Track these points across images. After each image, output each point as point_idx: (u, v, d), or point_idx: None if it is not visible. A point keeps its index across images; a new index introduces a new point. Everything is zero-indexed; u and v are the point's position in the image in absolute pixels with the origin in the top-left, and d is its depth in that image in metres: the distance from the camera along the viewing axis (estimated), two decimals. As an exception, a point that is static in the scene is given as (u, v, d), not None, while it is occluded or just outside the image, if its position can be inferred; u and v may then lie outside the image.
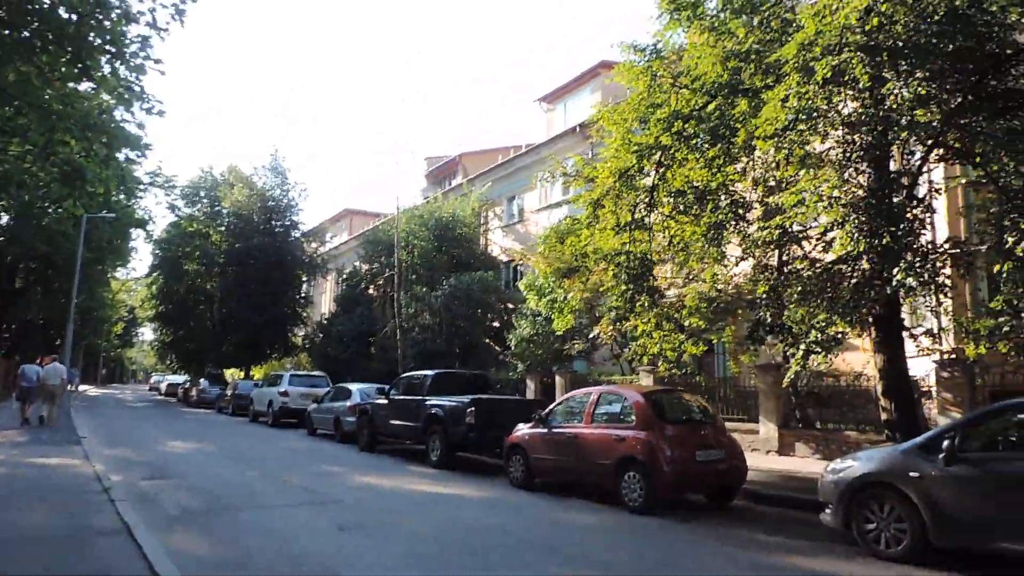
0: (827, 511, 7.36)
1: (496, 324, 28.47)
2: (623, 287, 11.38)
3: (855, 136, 8.27)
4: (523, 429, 11.43)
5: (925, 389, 13.95)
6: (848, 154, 8.46)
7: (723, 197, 11.66)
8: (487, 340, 27.13)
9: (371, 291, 35.41)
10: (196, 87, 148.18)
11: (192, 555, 6.53)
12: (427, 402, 14.21)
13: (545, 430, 10.84)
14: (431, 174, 44.41)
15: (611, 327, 16.98)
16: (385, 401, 15.93)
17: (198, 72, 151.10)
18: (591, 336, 18.19)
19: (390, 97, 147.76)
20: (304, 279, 41.64)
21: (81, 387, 53.86)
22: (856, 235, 7.76)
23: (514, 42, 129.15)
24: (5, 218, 29.95)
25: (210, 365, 42.50)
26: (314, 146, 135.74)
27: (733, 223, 11.45)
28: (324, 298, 52.42)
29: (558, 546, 7.24)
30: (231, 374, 42.78)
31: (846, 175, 8.32)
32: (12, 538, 6.69)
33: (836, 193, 8.08)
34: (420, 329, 27.03)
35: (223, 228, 42.11)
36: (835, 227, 7.98)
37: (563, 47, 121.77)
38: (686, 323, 12.07)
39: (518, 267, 33.26)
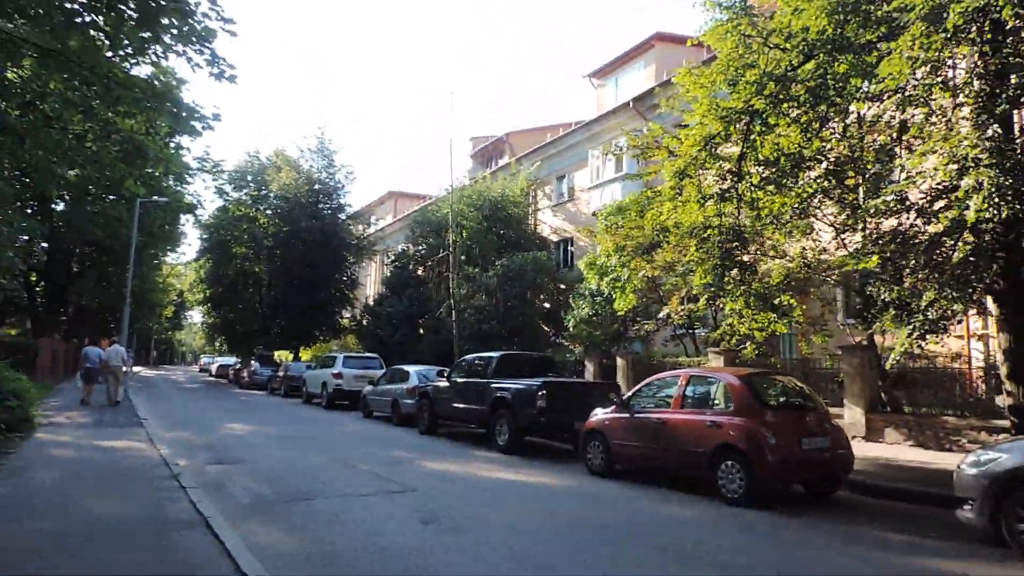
0: (967, 508, 6.59)
1: (547, 305, 27.86)
2: (713, 262, 10.59)
3: (997, 90, 7.38)
4: (602, 414, 10.81)
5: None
6: (986, 108, 7.57)
7: (819, 164, 10.80)
8: (540, 321, 26.54)
9: (420, 273, 35.05)
10: (236, 51, 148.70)
11: (274, 549, 6.08)
12: (493, 385, 13.68)
13: (627, 415, 10.20)
14: (477, 154, 43.80)
15: (682, 307, 16.26)
16: (446, 383, 15.46)
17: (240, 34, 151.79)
18: (659, 316, 17.44)
19: (436, 77, 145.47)
20: (351, 261, 41.42)
21: (135, 368, 54.91)
22: (996, 199, 6.91)
23: (559, 17, 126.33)
24: (62, 205, 30.32)
25: (260, 347, 42.77)
26: (356, 118, 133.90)
27: (836, 191, 10.59)
28: (370, 280, 52.42)
29: (664, 542, 6.62)
30: (279, 356, 42.98)
31: (988, 132, 7.41)
32: (94, 527, 6.33)
33: (974, 153, 7.21)
34: (473, 310, 26.54)
35: (270, 212, 42.10)
36: (972, 191, 7.12)
37: (612, 21, 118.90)
38: (776, 301, 11.24)
39: (570, 247, 32.67)
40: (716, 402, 9.13)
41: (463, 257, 30.31)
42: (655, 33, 30.44)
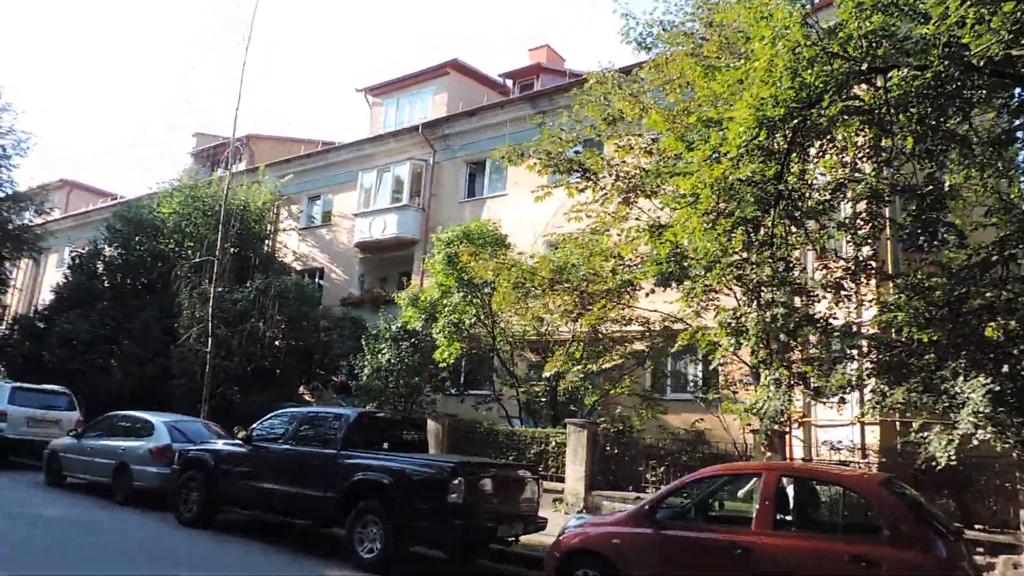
0: None
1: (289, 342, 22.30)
2: (775, 311, 7.52)
3: None
4: (597, 524, 6.98)
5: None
6: None
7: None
8: (301, 363, 21.14)
9: (111, 284, 26.61)
10: None
11: None
12: (350, 460, 8.85)
13: (652, 531, 6.51)
14: (202, 154, 36.41)
15: (573, 366, 13.04)
16: (245, 449, 10.04)
17: None
18: (547, 376, 13.80)
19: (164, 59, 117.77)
20: (6, 257, 30.58)
21: None
22: None
23: (327, 22, 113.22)
24: None
25: None
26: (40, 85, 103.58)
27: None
28: (14, 286, 40.09)
29: None
30: None
31: None
32: None
33: None
34: (208, 341, 20.09)
35: None
36: None
37: (391, 41, 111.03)
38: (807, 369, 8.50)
39: (319, 279, 27.68)
40: (847, 520, 5.99)
41: (188, 273, 23.58)
42: (452, 60, 27.98)
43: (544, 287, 12.20)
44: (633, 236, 10.69)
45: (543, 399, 15.18)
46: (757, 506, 6.21)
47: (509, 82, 28.16)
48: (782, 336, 7.52)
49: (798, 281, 8.31)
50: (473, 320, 14.45)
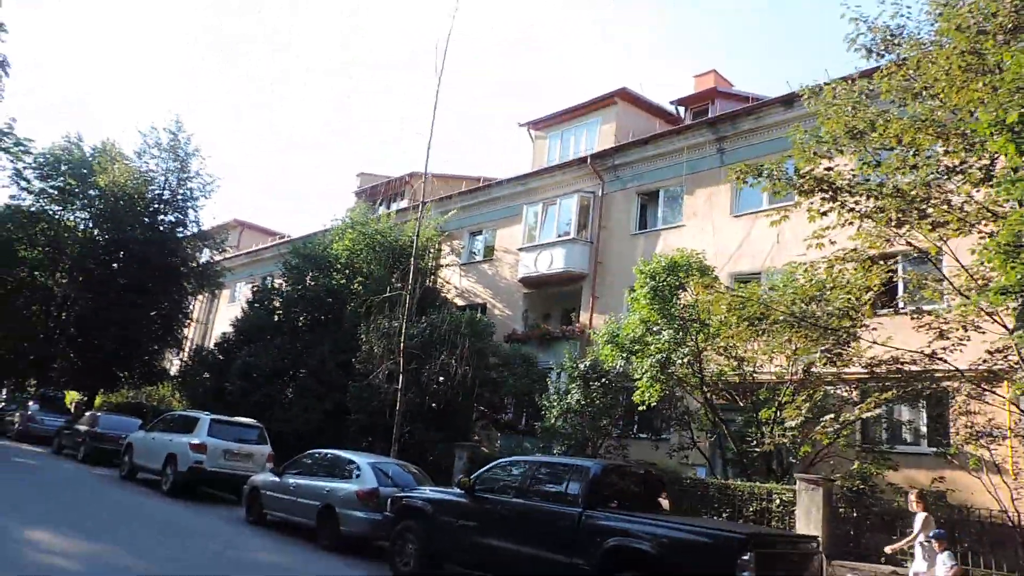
0: None
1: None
2: None
3: None
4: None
5: None
6: None
7: None
8: (476, 403, 20.40)
9: (285, 318, 27.33)
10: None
11: None
12: (601, 522, 7.67)
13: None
14: (365, 192, 37.41)
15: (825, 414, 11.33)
16: (466, 501, 9.12)
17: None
18: (785, 423, 12.21)
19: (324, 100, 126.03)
20: (190, 291, 32.48)
21: None
22: None
23: (487, 59, 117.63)
24: None
25: (35, 382, 31.82)
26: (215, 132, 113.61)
27: None
28: (193, 318, 42.74)
29: None
30: (71, 399, 32.27)
31: None
32: None
33: None
34: (387, 377, 19.81)
35: (86, 213, 32.09)
36: None
37: (548, 75, 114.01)
38: None
39: (481, 315, 27.05)
40: None
41: (360, 309, 23.68)
42: (620, 88, 26.86)
43: (784, 323, 10.66)
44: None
45: (758, 449, 13.46)
46: None
47: (681, 109, 26.88)
48: None
49: None
50: (685, 359, 13.07)
